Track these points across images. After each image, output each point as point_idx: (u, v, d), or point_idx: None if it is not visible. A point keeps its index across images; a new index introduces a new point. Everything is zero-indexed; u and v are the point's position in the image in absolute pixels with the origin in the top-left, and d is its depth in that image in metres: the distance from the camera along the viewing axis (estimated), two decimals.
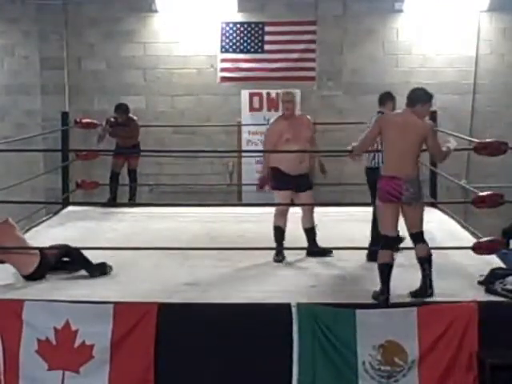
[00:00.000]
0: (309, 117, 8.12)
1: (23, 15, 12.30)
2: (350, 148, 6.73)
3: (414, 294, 6.43)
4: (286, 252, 7.67)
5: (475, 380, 6.17)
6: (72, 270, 7.22)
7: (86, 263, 7.19)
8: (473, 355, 6.16)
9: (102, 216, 10.15)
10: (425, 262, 6.42)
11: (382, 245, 6.43)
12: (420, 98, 6.36)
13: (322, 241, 7.93)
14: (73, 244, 7.80)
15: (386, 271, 6.38)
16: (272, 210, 9.57)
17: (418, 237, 6.44)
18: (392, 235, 6.39)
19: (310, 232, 7.86)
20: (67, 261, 7.26)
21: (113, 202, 10.89)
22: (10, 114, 12.51)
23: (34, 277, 7.03)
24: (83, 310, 6.24)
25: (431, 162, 10.46)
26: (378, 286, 6.51)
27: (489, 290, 6.61)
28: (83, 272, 7.17)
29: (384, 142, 6.42)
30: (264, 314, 6.19)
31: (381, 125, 6.41)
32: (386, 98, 8.42)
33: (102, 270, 7.17)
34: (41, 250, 7.16)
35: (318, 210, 9.93)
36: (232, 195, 12.21)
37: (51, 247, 7.36)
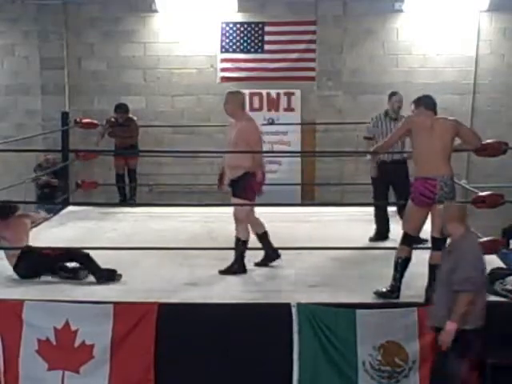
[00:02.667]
0: (251, 121, 7.47)
1: (23, 15, 12.28)
2: (371, 150, 6.77)
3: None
4: (286, 252, 7.63)
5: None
6: (82, 276, 7.07)
7: (94, 268, 7.07)
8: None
9: (102, 216, 10.15)
10: (434, 270, 6.42)
11: (401, 240, 6.48)
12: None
13: (322, 240, 7.93)
14: (73, 244, 7.82)
15: (402, 265, 6.43)
16: (272, 210, 9.59)
17: (438, 243, 6.40)
18: (413, 235, 6.46)
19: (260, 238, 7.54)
20: (77, 268, 7.13)
21: (124, 203, 11.00)
22: (10, 114, 12.50)
23: (17, 271, 7.05)
24: (83, 309, 6.25)
25: None
26: (378, 286, 6.52)
27: (489, 290, 6.60)
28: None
29: (414, 144, 6.43)
30: (264, 314, 6.19)
31: (410, 127, 6.44)
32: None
33: (110, 276, 6.99)
34: (28, 247, 7.18)
35: (318, 210, 9.99)
36: None
37: (54, 248, 7.33)
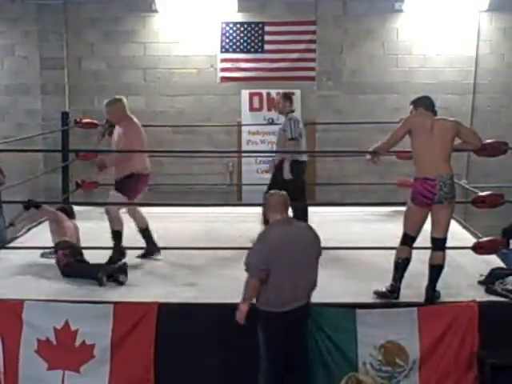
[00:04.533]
0: (134, 125, 7.79)
1: (23, 15, 12.27)
2: (370, 150, 6.76)
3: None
4: None
5: (475, 380, 6.18)
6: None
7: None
8: (473, 355, 6.18)
9: (102, 216, 10.07)
10: (436, 271, 6.43)
11: (401, 241, 6.49)
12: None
13: (322, 240, 7.90)
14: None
15: (402, 265, 6.44)
16: None
17: (438, 244, 6.43)
18: (411, 235, 6.45)
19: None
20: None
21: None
22: (10, 114, 12.49)
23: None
24: (83, 309, 6.26)
25: None
26: (378, 286, 6.52)
27: (489, 290, 6.62)
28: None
29: (414, 144, 6.44)
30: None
31: (410, 127, 6.44)
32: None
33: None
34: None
35: (317, 209, 9.96)
36: (232, 195, 12.20)
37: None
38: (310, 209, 8.97)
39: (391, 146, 6.66)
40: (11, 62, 12.45)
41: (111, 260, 7.49)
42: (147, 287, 6.85)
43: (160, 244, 7.94)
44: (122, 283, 6.96)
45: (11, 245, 8.50)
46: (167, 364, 6.18)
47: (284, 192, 5.99)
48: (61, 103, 12.15)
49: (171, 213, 9.80)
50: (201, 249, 7.74)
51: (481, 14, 11.96)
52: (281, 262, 5.58)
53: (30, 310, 6.25)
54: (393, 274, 6.46)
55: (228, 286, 6.91)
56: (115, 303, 6.27)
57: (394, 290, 6.43)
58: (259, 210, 9.60)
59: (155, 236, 8.04)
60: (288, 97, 8.96)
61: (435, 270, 6.42)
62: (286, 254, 5.60)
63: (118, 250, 7.64)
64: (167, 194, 11.75)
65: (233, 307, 6.27)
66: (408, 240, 6.46)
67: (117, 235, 7.73)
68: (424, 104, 6.55)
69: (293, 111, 8.89)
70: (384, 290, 6.46)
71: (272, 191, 6.12)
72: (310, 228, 5.97)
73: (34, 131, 11.55)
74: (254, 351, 6.10)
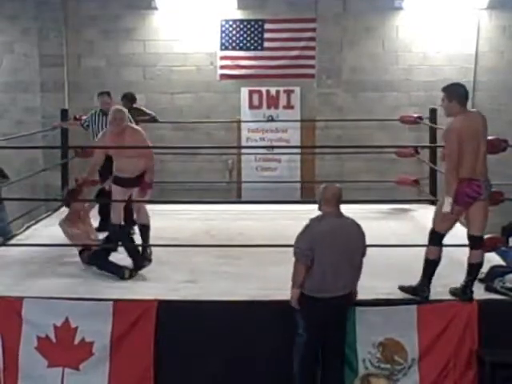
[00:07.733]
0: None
1: (23, 12, 12.26)
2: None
3: (453, 293, 6.43)
4: (288, 249, 7.62)
5: (475, 378, 6.19)
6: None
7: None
8: (472, 353, 6.18)
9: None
10: (475, 269, 6.39)
11: (432, 241, 6.42)
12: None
13: None
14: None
15: (432, 267, 6.39)
16: (273, 207, 9.63)
17: (476, 242, 6.38)
18: (442, 233, 6.40)
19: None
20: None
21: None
22: (10, 112, 12.48)
23: None
24: (83, 307, 6.26)
25: (430, 159, 10.48)
26: (378, 283, 6.52)
27: (488, 288, 6.62)
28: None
29: (461, 148, 6.13)
30: (264, 312, 6.20)
31: (459, 138, 6.09)
32: None
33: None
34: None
35: (316, 207, 9.97)
36: (231, 192, 12.21)
37: None
38: (310, 206, 8.97)
39: (457, 161, 6.22)
40: (10, 59, 12.43)
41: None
42: (147, 284, 6.85)
43: (160, 241, 7.94)
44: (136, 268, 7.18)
45: (11, 242, 8.50)
46: (167, 361, 6.19)
47: (338, 185, 6.36)
48: (60, 100, 12.14)
49: (170, 210, 9.81)
50: (200, 246, 7.74)
51: (480, 12, 11.96)
52: (324, 250, 5.78)
53: (29, 308, 6.25)
54: (422, 273, 6.40)
55: (228, 283, 6.92)
56: (115, 300, 6.27)
57: (423, 286, 6.39)
58: (259, 207, 9.67)
59: (156, 233, 8.04)
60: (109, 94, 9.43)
61: (472, 270, 6.37)
62: (329, 245, 5.81)
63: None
64: (167, 192, 11.76)
65: (233, 304, 6.30)
66: (439, 239, 6.38)
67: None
68: (459, 96, 6.19)
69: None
70: (409, 285, 6.43)
71: (326, 184, 6.32)
72: (358, 225, 6.08)
73: (34, 128, 11.55)
74: (255, 348, 6.12)
